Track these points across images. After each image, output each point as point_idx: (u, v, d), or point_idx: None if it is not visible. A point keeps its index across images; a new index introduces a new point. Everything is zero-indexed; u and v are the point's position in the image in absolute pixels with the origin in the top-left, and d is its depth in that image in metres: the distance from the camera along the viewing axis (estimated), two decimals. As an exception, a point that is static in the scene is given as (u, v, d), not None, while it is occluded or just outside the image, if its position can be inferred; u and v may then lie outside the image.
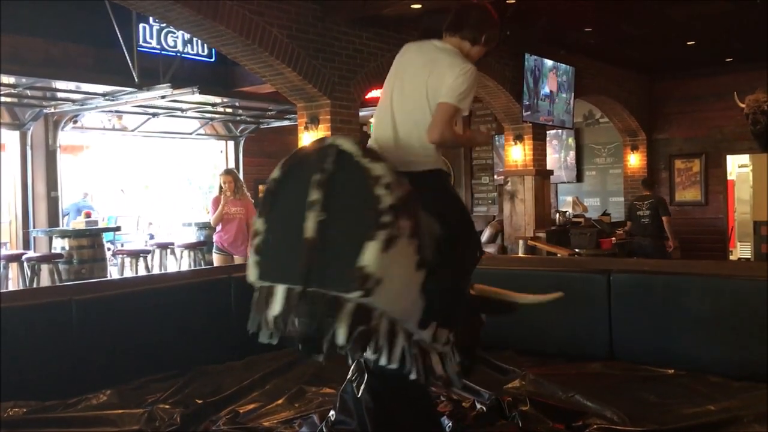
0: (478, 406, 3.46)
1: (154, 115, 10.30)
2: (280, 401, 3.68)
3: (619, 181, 13.08)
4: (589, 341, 3.24)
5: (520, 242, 9.81)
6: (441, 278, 2.73)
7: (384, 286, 2.44)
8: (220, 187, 7.73)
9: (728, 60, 11.15)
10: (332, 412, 3.16)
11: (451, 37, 3.11)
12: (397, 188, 2.53)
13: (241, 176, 11.43)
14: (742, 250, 11.96)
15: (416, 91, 2.97)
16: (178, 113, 10.30)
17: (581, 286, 3.09)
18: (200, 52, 10.04)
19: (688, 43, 10.15)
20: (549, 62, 10.24)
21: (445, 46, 3.07)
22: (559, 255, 9.01)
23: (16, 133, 9.52)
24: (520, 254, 9.28)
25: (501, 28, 3.19)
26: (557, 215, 10.92)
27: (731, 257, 11.87)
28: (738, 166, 12.33)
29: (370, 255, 2.42)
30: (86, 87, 8.47)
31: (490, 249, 10.66)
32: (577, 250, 9.49)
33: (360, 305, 2.47)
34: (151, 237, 11.81)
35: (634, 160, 12.76)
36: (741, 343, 3.88)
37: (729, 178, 12.28)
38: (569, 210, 11.27)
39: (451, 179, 3.11)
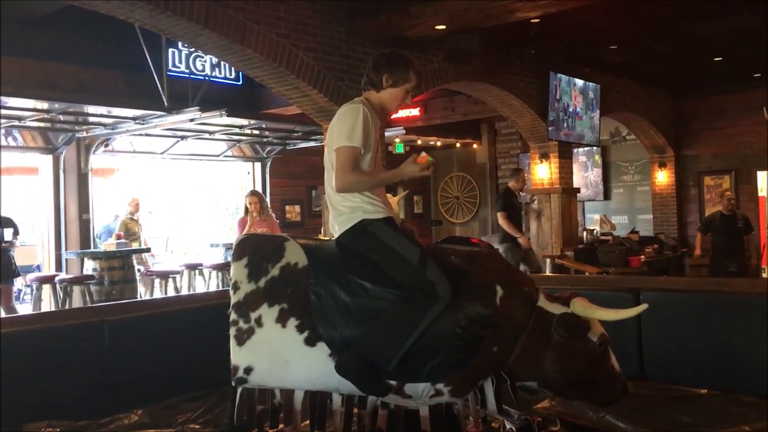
0: (508, 426, 3.43)
1: (182, 137, 10.46)
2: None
3: (647, 198, 12.95)
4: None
5: (548, 261, 9.75)
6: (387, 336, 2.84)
7: (257, 372, 2.92)
8: (246, 209, 7.82)
9: (756, 75, 11.04)
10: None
11: (364, 93, 3.17)
12: (248, 283, 2.97)
13: (268, 197, 11.59)
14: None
15: (326, 158, 3.11)
16: (206, 136, 10.45)
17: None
18: (228, 75, 10.20)
19: (715, 59, 10.08)
20: (574, 80, 10.22)
21: (343, 107, 3.11)
22: (587, 273, 8.92)
23: (49, 157, 9.72)
24: (548, 273, 9.21)
25: (410, 66, 3.11)
26: (585, 233, 10.83)
27: (764, 275, 11.66)
28: (769, 182, 12.16)
29: (232, 351, 2.95)
30: (117, 111, 8.63)
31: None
32: (605, 268, 9.39)
33: (247, 389, 3.00)
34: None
35: (662, 177, 12.65)
36: (775, 362, 3.80)
37: (760, 194, 12.10)
38: (597, 228, 11.18)
39: (381, 225, 3.01)
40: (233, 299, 2.99)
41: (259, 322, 2.93)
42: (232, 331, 2.96)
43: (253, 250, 3.07)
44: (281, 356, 2.91)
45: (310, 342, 2.89)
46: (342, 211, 3.04)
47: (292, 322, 2.92)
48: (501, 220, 8.66)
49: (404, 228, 3.18)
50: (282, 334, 2.91)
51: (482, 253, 3.09)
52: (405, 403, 2.97)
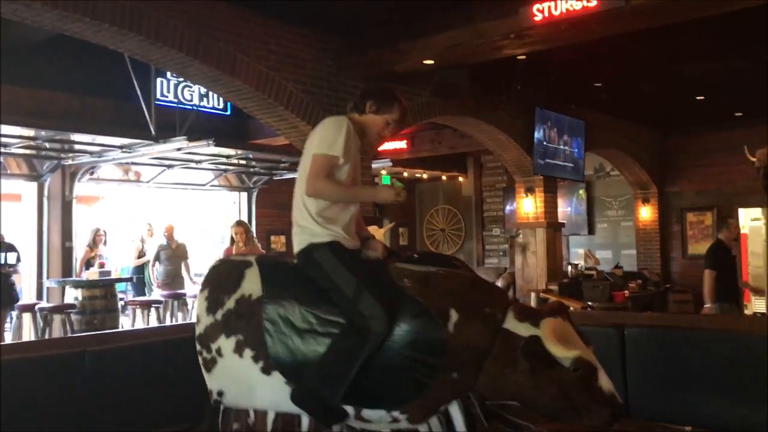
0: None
1: (169, 166, 10.45)
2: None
3: (630, 233, 13.06)
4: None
5: (533, 295, 9.76)
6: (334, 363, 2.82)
7: (228, 395, 3.06)
8: (232, 239, 7.80)
9: (737, 114, 11.23)
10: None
11: (347, 115, 3.24)
12: (207, 316, 3.07)
13: (253, 227, 11.55)
14: (757, 305, 11.82)
15: (301, 165, 3.12)
16: (193, 165, 10.45)
17: (594, 341, 3.06)
18: (216, 105, 10.22)
19: (698, 98, 10.26)
20: (560, 116, 10.35)
21: (327, 118, 3.19)
22: (571, 308, 8.93)
23: (34, 185, 9.67)
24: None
25: (396, 100, 3.19)
26: (569, 268, 10.88)
27: (746, 311, 11.72)
28: (751, 219, 12.30)
29: (205, 376, 3.11)
30: (103, 139, 8.62)
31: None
32: (589, 303, 9.42)
33: (225, 408, 3.09)
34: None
35: (646, 213, 12.77)
36: (760, 399, 3.81)
37: (742, 231, 12.22)
38: (581, 262, 11.23)
39: (325, 251, 2.94)
40: (196, 331, 3.13)
41: (219, 352, 3.03)
42: (200, 360, 3.12)
43: (215, 282, 3.16)
44: (245, 383, 3.00)
45: (266, 371, 2.93)
46: (295, 228, 3.06)
47: (248, 353, 2.97)
48: (706, 279, 7.11)
49: (378, 249, 3.12)
50: (241, 363, 2.98)
51: (439, 274, 2.92)
52: (368, 426, 2.93)
